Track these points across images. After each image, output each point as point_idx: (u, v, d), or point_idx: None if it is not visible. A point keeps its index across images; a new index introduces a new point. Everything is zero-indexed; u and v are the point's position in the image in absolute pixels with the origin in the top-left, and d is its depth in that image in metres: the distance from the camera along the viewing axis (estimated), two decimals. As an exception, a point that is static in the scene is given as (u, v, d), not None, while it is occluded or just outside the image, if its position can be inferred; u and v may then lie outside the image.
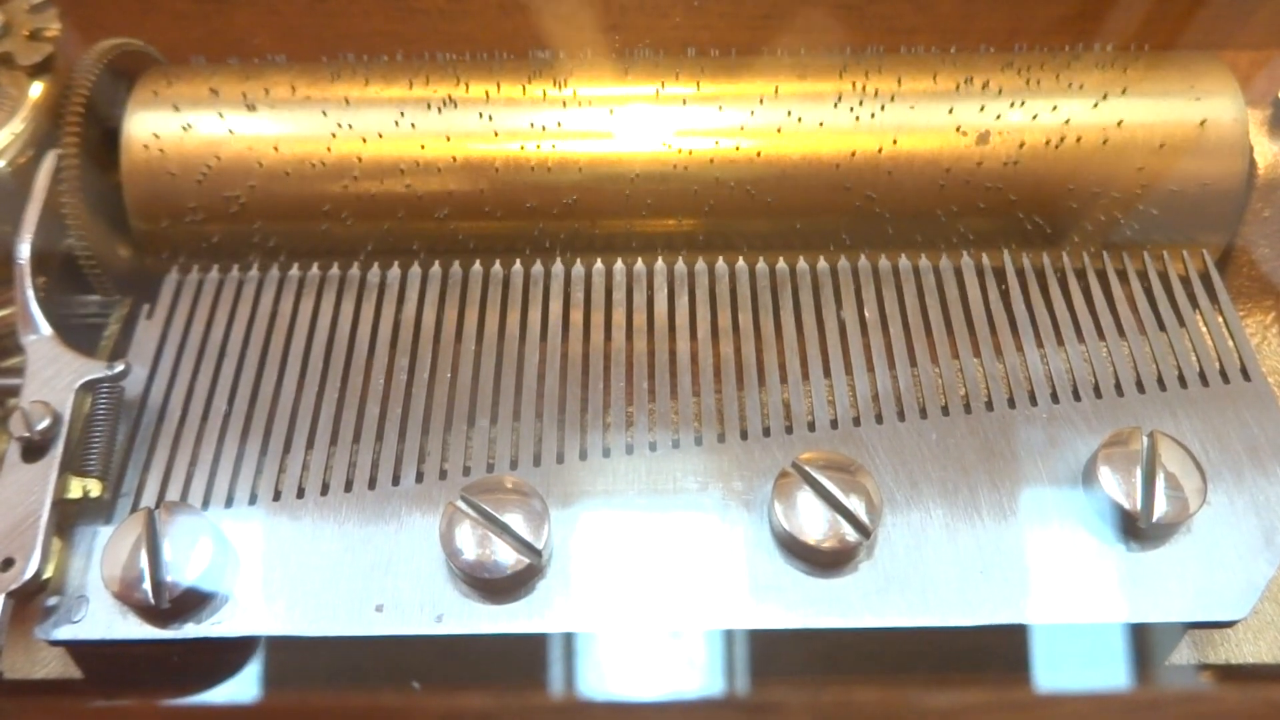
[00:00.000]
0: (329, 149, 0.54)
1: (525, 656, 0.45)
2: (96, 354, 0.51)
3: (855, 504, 0.44)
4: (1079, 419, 0.48)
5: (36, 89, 0.53)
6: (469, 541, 0.43)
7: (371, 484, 0.47)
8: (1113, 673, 0.45)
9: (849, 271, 0.54)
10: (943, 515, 0.46)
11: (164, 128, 0.54)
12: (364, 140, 0.54)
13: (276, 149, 0.54)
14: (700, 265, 0.54)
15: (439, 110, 0.54)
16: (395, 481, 0.47)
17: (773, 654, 0.45)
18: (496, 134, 0.54)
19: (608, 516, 0.46)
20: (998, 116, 0.53)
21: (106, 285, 0.55)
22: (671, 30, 0.70)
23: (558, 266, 0.54)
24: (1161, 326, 0.51)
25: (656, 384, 0.50)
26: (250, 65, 0.57)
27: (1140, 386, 0.49)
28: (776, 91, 0.55)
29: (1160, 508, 0.44)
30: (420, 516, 0.46)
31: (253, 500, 0.47)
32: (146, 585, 0.42)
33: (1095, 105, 0.54)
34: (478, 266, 0.54)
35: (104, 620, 0.44)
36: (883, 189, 0.54)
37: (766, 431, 0.48)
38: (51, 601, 0.44)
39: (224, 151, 0.54)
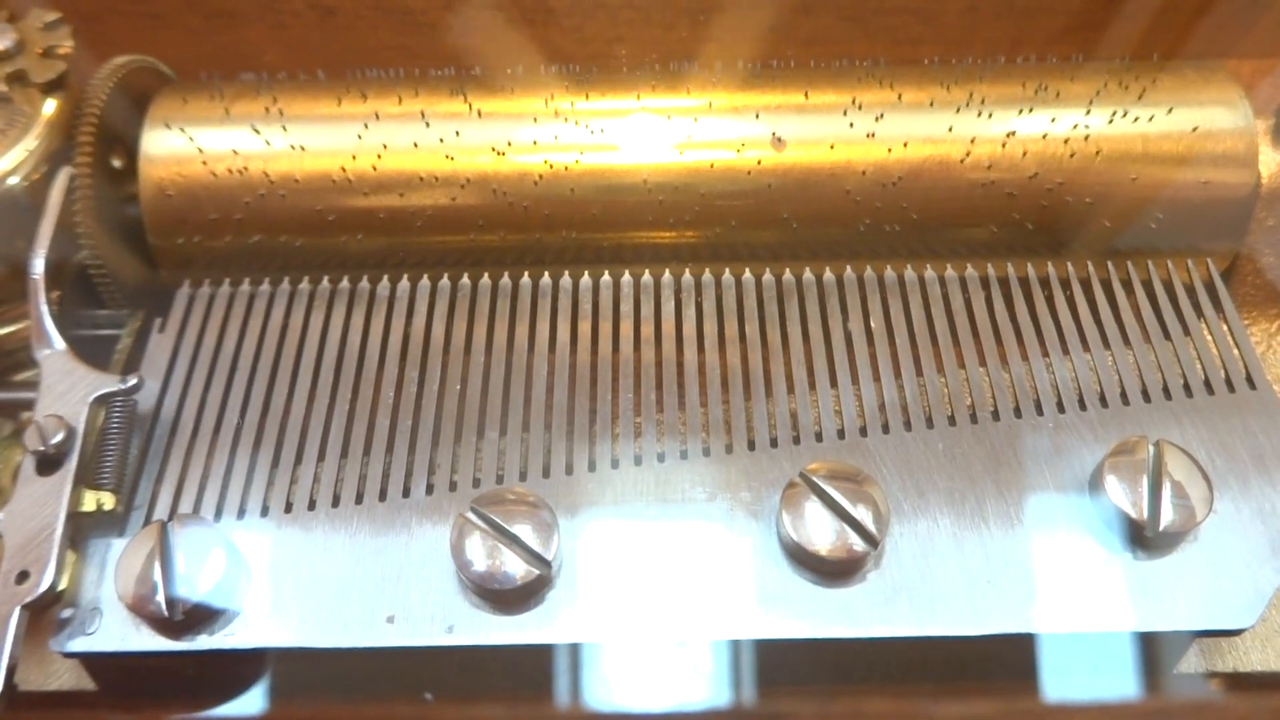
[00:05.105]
0: (340, 163, 0.54)
1: (536, 667, 0.45)
2: (109, 367, 0.52)
3: (863, 514, 0.44)
4: (1085, 428, 0.49)
5: (50, 106, 0.54)
6: (479, 553, 0.43)
7: (382, 496, 0.48)
8: (1121, 682, 0.46)
9: (855, 282, 0.54)
10: (950, 525, 0.46)
11: (180, 144, 0.55)
12: (374, 154, 0.54)
13: (289, 164, 0.54)
14: (707, 277, 0.55)
15: (447, 124, 0.55)
16: (405, 493, 0.48)
17: (781, 664, 0.45)
18: (504, 147, 0.54)
19: (616, 527, 0.46)
20: (1008, 132, 0.54)
21: (119, 299, 0.55)
22: (677, 43, 0.71)
23: (566, 279, 0.55)
24: (1167, 335, 0.52)
25: (664, 395, 0.50)
26: (263, 81, 0.57)
27: (1146, 395, 0.50)
28: (782, 103, 0.55)
29: (1167, 516, 0.44)
30: (430, 528, 0.46)
31: (264, 513, 0.47)
32: (160, 597, 0.43)
33: (1101, 116, 0.54)
34: (486, 279, 0.55)
35: (117, 632, 0.44)
36: (889, 199, 0.54)
37: (774, 442, 0.49)
38: (65, 614, 0.44)
39: (238, 166, 0.54)
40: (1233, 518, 0.46)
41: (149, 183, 0.55)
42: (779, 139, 0.53)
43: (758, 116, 0.55)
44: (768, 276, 0.55)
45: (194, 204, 0.54)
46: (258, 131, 0.55)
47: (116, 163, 0.55)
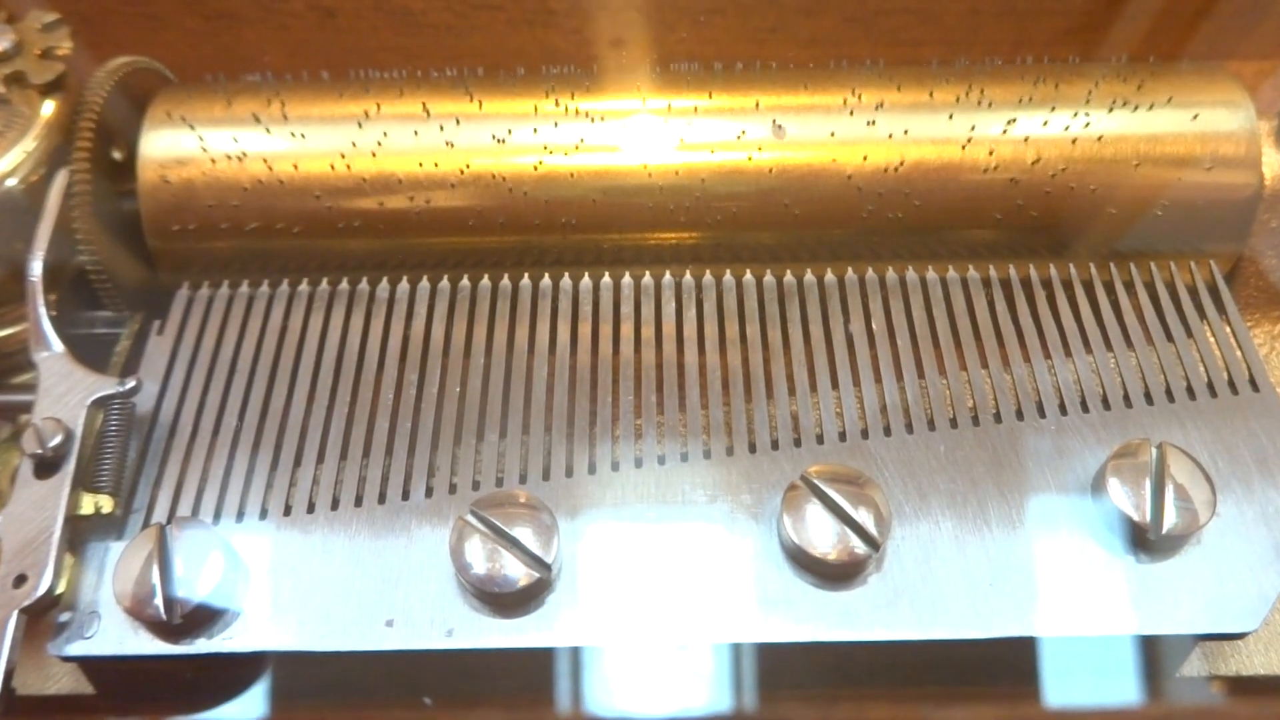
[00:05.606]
0: (341, 164, 0.54)
1: (536, 671, 0.45)
2: (107, 370, 0.52)
3: (864, 516, 0.44)
4: (1087, 431, 0.48)
5: (48, 107, 0.54)
6: (479, 556, 0.43)
7: (381, 499, 0.47)
8: (1123, 685, 0.45)
9: (856, 283, 0.54)
10: (951, 527, 0.46)
11: (179, 146, 0.54)
12: (374, 156, 0.54)
13: (289, 165, 0.54)
14: (708, 278, 0.54)
15: (448, 125, 0.55)
16: (405, 496, 0.47)
17: (782, 667, 0.45)
18: (504, 148, 0.54)
19: (617, 530, 0.46)
20: (1007, 126, 0.54)
21: (117, 301, 0.55)
22: (677, 44, 0.71)
23: (566, 280, 0.55)
24: (1170, 338, 0.51)
25: (665, 397, 0.50)
26: (263, 83, 0.57)
27: (1149, 398, 0.49)
28: (784, 104, 0.55)
29: (1170, 519, 0.44)
30: (430, 531, 0.46)
31: (263, 515, 0.47)
32: (158, 601, 0.43)
33: (1104, 117, 0.54)
34: (486, 280, 0.55)
35: (116, 636, 0.44)
36: (891, 186, 0.54)
37: (775, 444, 0.48)
38: (64, 617, 0.44)
39: (237, 168, 0.54)
40: (1236, 521, 0.45)
41: (147, 170, 0.54)
42: (779, 127, 0.53)
43: (758, 106, 0.55)
44: (768, 278, 0.54)
45: (192, 192, 0.54)
46: (258, 120, 0.55)
47: (116, 155, 0.55)
